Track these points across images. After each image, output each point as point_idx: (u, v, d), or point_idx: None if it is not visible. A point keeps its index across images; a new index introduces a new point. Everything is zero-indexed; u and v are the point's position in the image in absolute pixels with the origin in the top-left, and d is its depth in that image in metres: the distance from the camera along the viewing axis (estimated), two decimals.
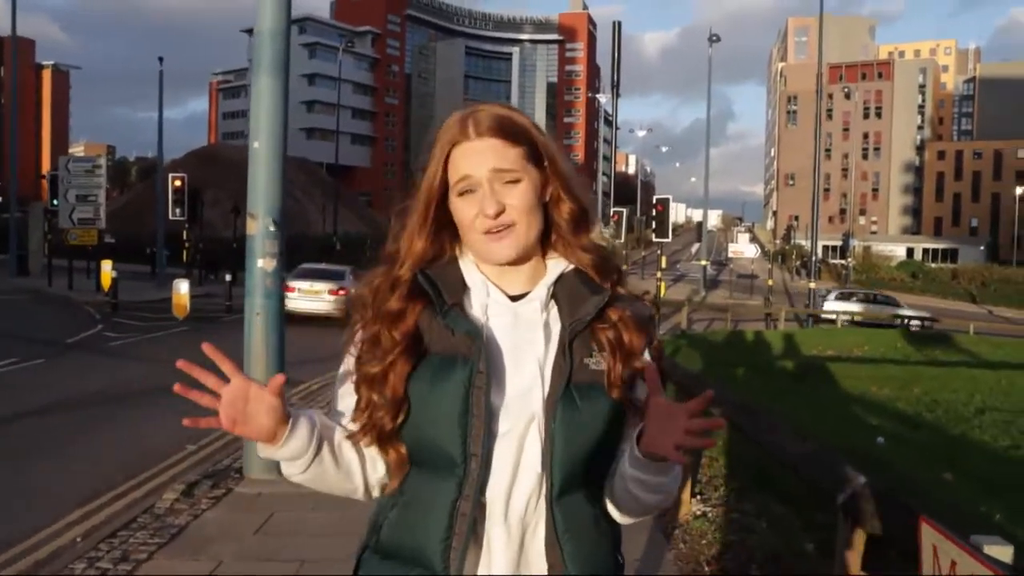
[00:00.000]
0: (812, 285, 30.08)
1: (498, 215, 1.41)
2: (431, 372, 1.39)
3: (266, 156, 6.17)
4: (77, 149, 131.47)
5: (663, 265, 25.94)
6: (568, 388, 1.38)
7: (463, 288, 1.46)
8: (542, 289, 1.45)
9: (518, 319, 1.44)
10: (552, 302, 1.45)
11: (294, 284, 20.36)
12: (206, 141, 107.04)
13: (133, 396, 10.45)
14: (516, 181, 1.43)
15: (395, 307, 1.43)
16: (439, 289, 1.43)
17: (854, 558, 2.43)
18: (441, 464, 1.38)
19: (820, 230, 31.92)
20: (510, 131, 1.43)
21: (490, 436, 1.36)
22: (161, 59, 33.14)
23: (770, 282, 41.26)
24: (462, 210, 1.44)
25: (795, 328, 28.27)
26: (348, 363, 1.48)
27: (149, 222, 40.44)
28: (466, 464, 1.36)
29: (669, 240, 26.07)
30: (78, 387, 11.01)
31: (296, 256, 32.93)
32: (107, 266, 24.00)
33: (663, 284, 26.36)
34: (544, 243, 1.49)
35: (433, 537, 1.36)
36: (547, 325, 1.43)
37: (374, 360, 1.41)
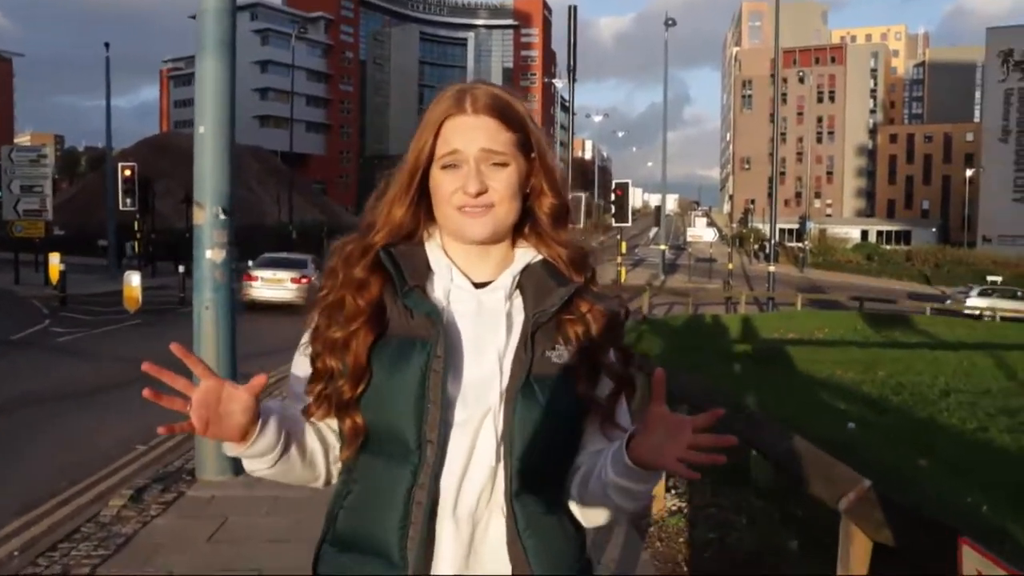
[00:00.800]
0: (772, 268, 30.14)
1: (478, 195, 1.37)
2: (388, 354, 1.35)
3: (213, 141, 5.83)
4: (23, 139, 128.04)
5: (623, 250, 25.82)
6: (528, 381, 1.34)
7: (426, 271, 1.41)
8: (507, 278, 1.42)
9: (481, 307, 1.39)
10: (517, 292, 1.41)
11: (256, 273, 21.06)
12: (158, 130, 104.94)
13: (80, 395, 10.04)
14: (503, 164, 1.39)
15: (361, 275, 1.39)
16: (400, 269, 1.39)
17: (859, 569, 2.23)
18: (396, 450, 1.34)
19: (776, 213, 32.00)
20: (507, 115, 1.40)
21: (446, 424, 1.32)
22: (107, 45, 32.26)
23: (730, 266, 41.43)
24: (442, 183, 1.39)
25: (755, 312, 28.37)
26: (308, 336, 1.44)
27: (100, 213, 39.54)
28: (421, 451, 1.32)
29: (629, 225, 25.93)
30: (21, 386, 10.55)
31: (250, 246, 32.57)
32: (55, 259, 23.34)
33: (623, 269, 26.25)
34: (515, 233, 1.45)
35: (389, 526, 1.33)
36: (510, 315, 1.39)
37: (337, 325, 1.37)
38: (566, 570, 1.38)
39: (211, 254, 5.84)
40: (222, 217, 5.84)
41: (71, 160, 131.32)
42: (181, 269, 22.83)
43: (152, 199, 33.12)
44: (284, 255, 24.02)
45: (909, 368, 12.57)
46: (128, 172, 28.95)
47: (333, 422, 1.42)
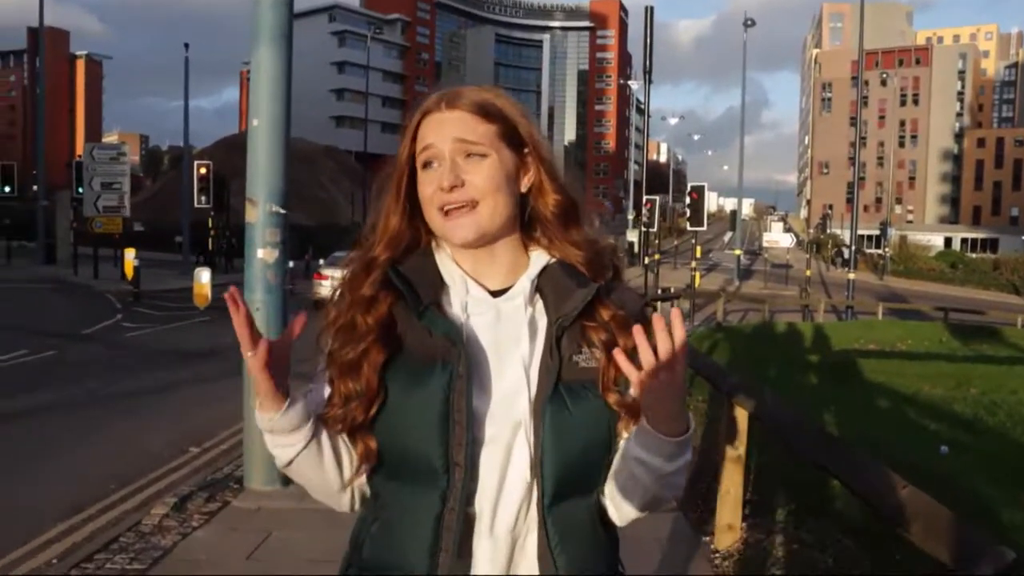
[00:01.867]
0: (852, 276, 29.04)
1: (453, 188, 1.30)
2: (407, 376, 1.29)
3: (267, 135, 5.57)
4: (111, 138, 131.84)
5: (698, 254, 25.17)
6: (557, 388, 1.28)
7: (440, 284, 1.35)
8: (525, 282, 1.35)
9: (500, 316, 1.33)
10: (537, 296, 1.35)
11: (327, 272, 21.10)
12: (237, 130, 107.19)
13: (141, 393, 9.97)
14: (482, 156, 1.32)
15: (368, 293, 1.33)
16: (413, 287, 1.32)
17: None
18: (422, 475, 1.28)
19: (857, 219, 30.88)
20: (484, 107, 1.34)
21: (474, 444, 1.27)
22: (187, 45, 32.86)
23: (808, 272, 40.19)
24: (423, 184, 1.33)
25: (834, 320, 27.39)
26: (322, 359, 1.38)
27: (179, 210, 40.25)
28: (449, 475, 1.26)
29: (704, 229, 25.26)
30: (84, 382, 10.53)
31: (323, 244, 32.79)
32: (130, 254, 23.72)
33: (698, 274, 25.59)
34: (526, 236, 1.39)
35: (418, 553, 1.27)
36: (532, 321, 1.33)
37: (348, 346, 1.31)
38: None
39: (263, 253, 5.58)
40: (276, 213, 5.57)
41: (155, 159, 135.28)
42: None
43: (227, 197, 33.46)
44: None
45: (1003, 385, 11.71)
46: (203, 170, 29.30)
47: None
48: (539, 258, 1.37)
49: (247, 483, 5.83)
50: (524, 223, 1.38)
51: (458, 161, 1.31)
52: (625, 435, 1.32)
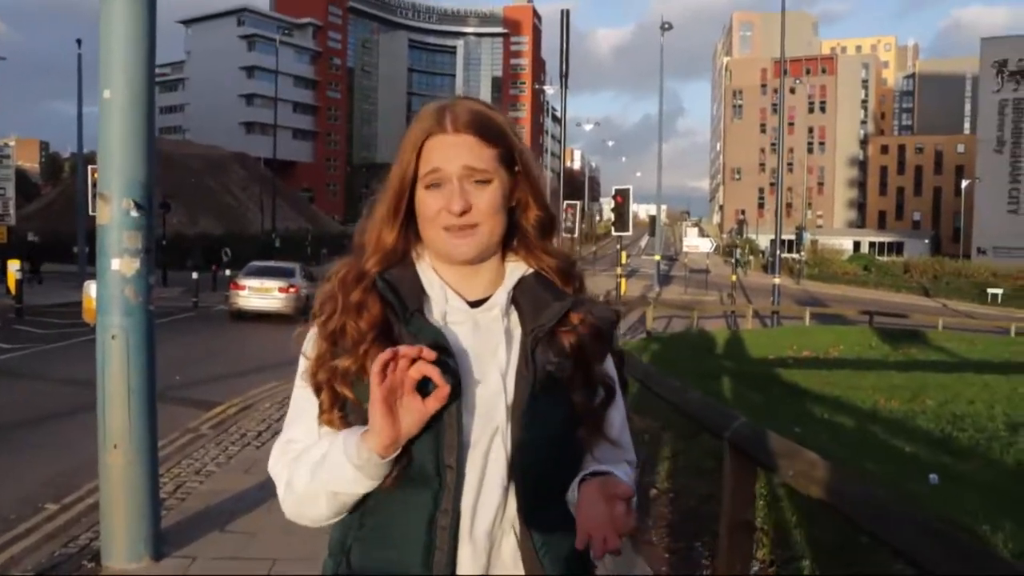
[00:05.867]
0: (777, 280, 28.67)
1: (463, 213, 1.35)
2: None
3: (123, 110, 4.29)
4: (8, 142, 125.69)
5: (623, 260, 24.38)
6: (532, 397, 1.32)
7: (421, 293, 1.38)
8: (502, 295, 1.39)
9: (478, 326, 1.37)
10: (512, 307, 1.40)
11: (244, 282, 21.05)
12: None
13: (2, 430, 8.44)
14: (487, 182, 1.37)
15: (358, 298, 1.35)
16: (400, 295, 1.36)
17: None
18: (414, 478, 1.29)
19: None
20: (488, 130, 1.37)
21: (462, 447, 1.29)
22: (79, 41, 30.61)
23: (733, 277, 40.00)
24: (427, 203, 1.37)
25: (759, 327, 26.94)
26: (308, 365, 1.38)
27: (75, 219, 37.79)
28: (441, 476, 1.29)
29: (629, 233, 24.43)
30: None
31: (234, 255, 31.20)
32: (13, 266, 21.66)
33: (624, 280, 24.79)
34: (504, 246, 1.43)
35: (412, 555, 1.29)
36: (508, 331, 1.37)
37: (344, 354, 1.32)
38: None
39: (118, 264, 4.29)
40: (134, 214, 4.30)
41: (55, 166, 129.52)
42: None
43: None
44: (272, 263, 23.92)
45: (959, 396, 11.05)
46: (97, 175, 27.30)
47: None
48: (515, 269, 1.41)
49: (105, 559, 4.51)
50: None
51: (466, 186, 1.34)
52: (587, 444, 1.38)
